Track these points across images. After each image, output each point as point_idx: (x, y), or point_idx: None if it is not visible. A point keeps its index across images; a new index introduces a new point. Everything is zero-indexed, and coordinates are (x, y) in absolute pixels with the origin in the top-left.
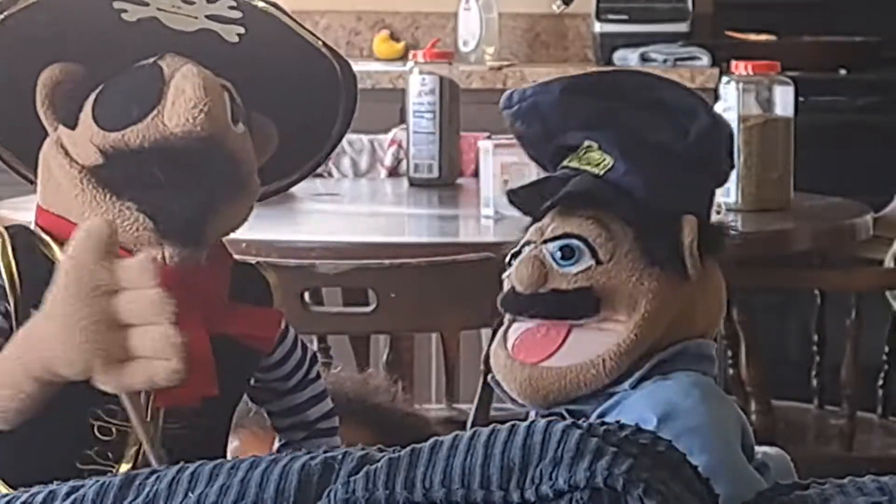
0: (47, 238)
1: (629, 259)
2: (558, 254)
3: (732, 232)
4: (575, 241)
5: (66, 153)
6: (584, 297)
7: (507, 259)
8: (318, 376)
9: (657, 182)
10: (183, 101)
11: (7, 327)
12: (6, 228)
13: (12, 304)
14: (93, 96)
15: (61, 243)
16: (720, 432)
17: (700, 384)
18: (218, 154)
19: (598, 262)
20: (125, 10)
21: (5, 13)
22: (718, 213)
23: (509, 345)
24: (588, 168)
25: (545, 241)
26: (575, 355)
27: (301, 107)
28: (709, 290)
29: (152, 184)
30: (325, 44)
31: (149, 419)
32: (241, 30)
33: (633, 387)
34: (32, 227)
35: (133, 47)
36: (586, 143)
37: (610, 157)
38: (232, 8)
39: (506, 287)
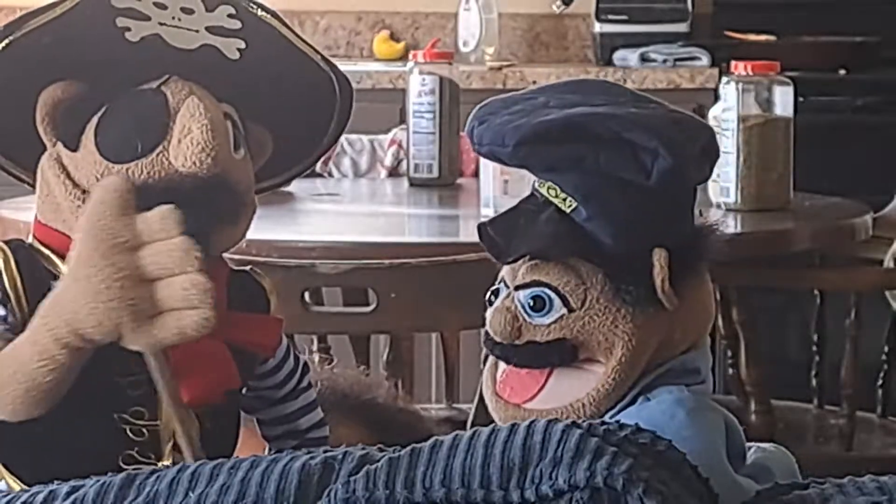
0: (48, 252)
1: (602, 303)
2: (530, 303)
3: (718, 233)
4: (545, 291)
5: (68, 174)
6: (561, 348)
7: (487, 297)
8: (310, 385)
9: (622, 225)
10: (190, 143)
11: (12, 336)
12: (6, 244)
13: (20, 319)
14: (95, 119)
15: (62, 256)
16: (708, 452)
17: (683, 402)
18: (220, 186)
19: (571, 310)
20: (129, 29)
21: (10, 38)
22: (702, 214)
23: (498, 374)
24: (556, 202)
25: (517, 288)
26: (556, 398)
27: (297, 118)
28: (691, 311)
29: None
30: (323, 57)
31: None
32: (242, 44)
33: (615, 415)
34: (30, 240)
35: (136, 67)
36: (548, 183)
37: (572, 198)
38: (231, 17)
39: (487, 326)
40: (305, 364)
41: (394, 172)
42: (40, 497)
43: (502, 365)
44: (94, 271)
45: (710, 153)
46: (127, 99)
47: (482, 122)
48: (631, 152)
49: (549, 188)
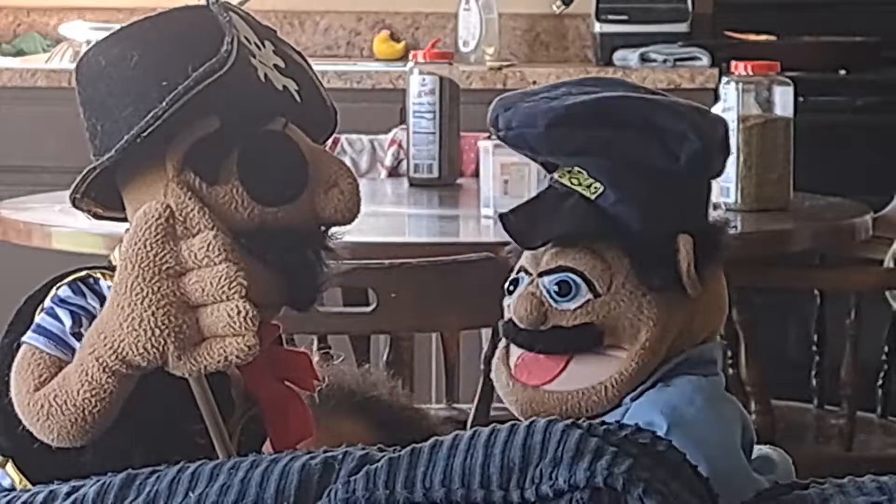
0: None
1: (627, 289)
2: (555, 289)
3: (731, 229)
4: (571, 276)
5: (210, 209)
6: (587, 332)
7: (507, 286)
8: None
9: (649, 209)
10: (340, 195)
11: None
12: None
13: None
14: (234, 156)
15: None
16: (724, 438)
17: (702, 389)
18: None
19: (597, 295)
20: (257, 68)
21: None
22: (716, 208)
23: (511, 361)
24: (579, 189)
25: (541, 274)
26: (577, 380)
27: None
28: (710, 299)
29: (286, 257)
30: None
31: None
32: (294, 84)
33: (635, 398)
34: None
35: (259, 106)
36: (575, 168)
37: (599, 183)
38: (275, 53)
39: (506, 315)
40: None
41: (394, 172)
42: (40, 497)
43: (515, 353)
44: (138, 298)
45: (727, 144)
46: (261, 140)
47: (508, 108)
48: (659, 136)
49: (572, 176)
